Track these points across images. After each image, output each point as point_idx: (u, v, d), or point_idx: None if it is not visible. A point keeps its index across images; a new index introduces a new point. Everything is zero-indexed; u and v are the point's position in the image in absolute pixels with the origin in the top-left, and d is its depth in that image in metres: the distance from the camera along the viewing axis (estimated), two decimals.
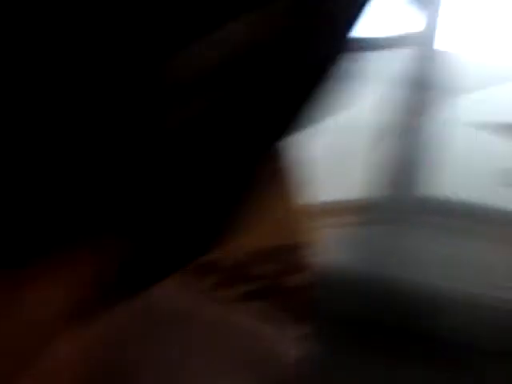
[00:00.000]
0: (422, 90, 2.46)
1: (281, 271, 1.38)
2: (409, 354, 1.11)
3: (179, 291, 0.70)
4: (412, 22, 2.62)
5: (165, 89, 0.19)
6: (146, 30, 0.19)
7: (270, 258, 1.44)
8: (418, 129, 1.77)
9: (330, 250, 1.54)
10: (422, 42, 2.52)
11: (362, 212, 1.52)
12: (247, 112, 0.25)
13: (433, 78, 2.45)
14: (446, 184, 1.87)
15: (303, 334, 0.84)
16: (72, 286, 0.21)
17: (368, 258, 1.28)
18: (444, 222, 1.55)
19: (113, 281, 0.22)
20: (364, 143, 2.49)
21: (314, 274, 1.33)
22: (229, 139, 0.26)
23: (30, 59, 0.17)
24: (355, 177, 2.30)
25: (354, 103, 2.72)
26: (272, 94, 0.25)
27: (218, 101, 0.23)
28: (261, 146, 0.28)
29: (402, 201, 1.43)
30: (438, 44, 2.44)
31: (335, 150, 2.37)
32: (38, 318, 0.19)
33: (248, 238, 1.61)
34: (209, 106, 0.23)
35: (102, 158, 0.21)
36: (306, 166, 2.20)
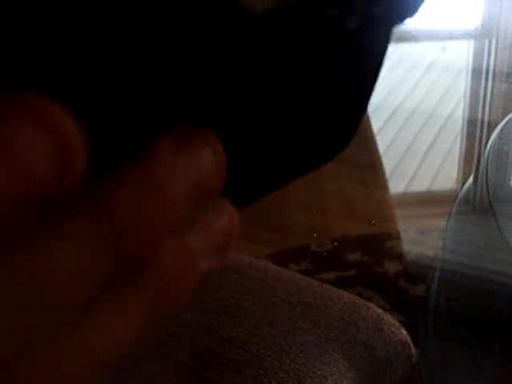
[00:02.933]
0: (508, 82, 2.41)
1: (374, 259, 1.39)
2: (504, 349, 1.10)
3: (280, 271, 0.71)
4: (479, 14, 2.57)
5: None
6: None
7: (363, 246, 1.45)
8: (506, 120, 1.74)
9: (421, 239, 1.54)
10: (495, 34, 2.47)
11: (452, 202, 1.51)
12: None
13: None
14: None
15: (400, 321, 0.84)
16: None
17: (466, 250, 1.27)
18: None
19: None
20: (453, 134, 2.46)
21: (406, 264, 1.34)
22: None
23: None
24: (445, 167, 2.28)
25: (436, 95, 2.69)
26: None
27: None
28: None
29: (494, 191, 1.41)
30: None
31: (423, 141, 2.35)
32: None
33: (338, 224, 1.62)
34: None
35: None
36: (396, 157, 2.19)
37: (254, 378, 0.56)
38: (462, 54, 2.64)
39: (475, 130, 2.46)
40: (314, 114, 0.24)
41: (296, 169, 0.26)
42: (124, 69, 0.19)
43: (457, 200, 1.46)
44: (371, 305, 0.68)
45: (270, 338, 0.59)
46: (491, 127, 2.36)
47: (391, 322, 0.67)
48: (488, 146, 1.53)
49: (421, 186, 2.20)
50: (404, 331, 0.67)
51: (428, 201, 2.09)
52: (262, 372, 0.57)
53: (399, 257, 1.40)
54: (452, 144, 2.44)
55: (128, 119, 0.19)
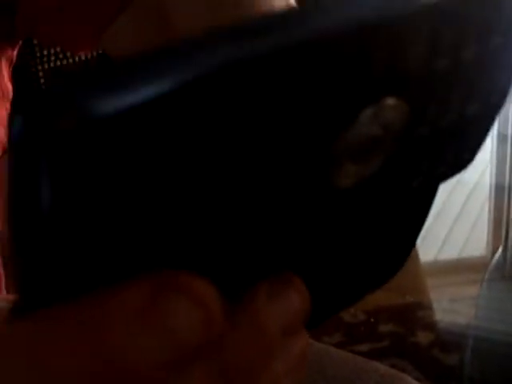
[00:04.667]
0: None
1: (407, 329, 1.39)
2: None
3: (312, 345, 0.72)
4: None
5: (338, 150, 0.23)
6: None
7: (395, 317, 1.45)
8: None
9: (453, 308, 1.53)
10: None
11: (485, 269, 1.51)
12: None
13: None
14: None
15: None
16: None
17: (500, 317, 1.27)
18: None
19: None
20: (481, 201, 2.46)
21: (440, 333, 1.34)
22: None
23: None
24: (474, 234, 2.27)
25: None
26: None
27: (392, 157, 0.25)
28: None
29: None
30: None
31: (451, 208, 2.35)
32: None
33: (370, 295, 1.62)
34: (383, 163, 0.25)
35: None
36: (425, 225, 2.20)
37: None
38: None
39: (503, 195, 2.46)
40: (376, 251, 0.30)
41: (359, 293, 0.31)
42: (243, 242, 0.23)
43: (488, 267, 1.46)
44: (406, 376, 0.69)
45: None
46: None
47: None
48: None
49: (451, 253, 2.19)
50: None
51: (459, 268, 2.08)
52: None
53: (432, 326, 1.40)
54: (480, 210, 2.43)
55: (237, 273, 0.24)
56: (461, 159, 0.29)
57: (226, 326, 0.21)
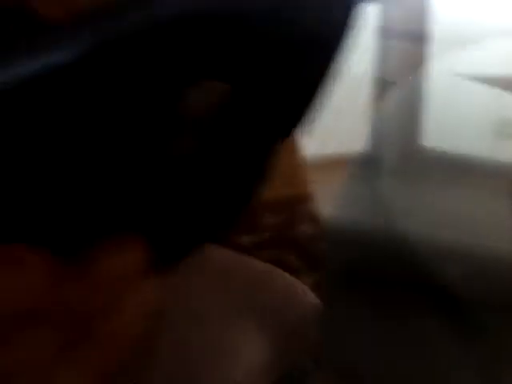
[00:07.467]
0: (419, 42, 2.45)
1: (289, 221, 1.40)
2: (411, 306, 1.12)
3: None
4: None
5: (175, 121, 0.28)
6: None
7: (278, 209, 1.45)
8: (415, 81, 1.77)
9: (333, 201, 1.55)
10: None
11: (358, 165, 1.53)
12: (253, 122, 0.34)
13: (429, 30, 2.44)
14: (442, 136, 1.88)
15: (316, 283, 0.85)
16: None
17: (368, 211, 1.29)
18: (439, 174, 1.56)
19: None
20: (361, 95, 2.48)
21: (321, 225, 1.35)
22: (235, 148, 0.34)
23: None
24: (355, 129, 2.30)
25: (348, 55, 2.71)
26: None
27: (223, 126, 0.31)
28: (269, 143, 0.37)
29: (399, 153, 1.44)
30: None
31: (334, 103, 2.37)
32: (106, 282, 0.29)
33: None
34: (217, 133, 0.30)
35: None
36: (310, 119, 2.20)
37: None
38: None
39: (387, 89, 2.49)
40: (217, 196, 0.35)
41: (209, 233, 0.36)
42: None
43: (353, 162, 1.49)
44: (283, 273, 0.68)
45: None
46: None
47: (303, 287, 0.68)
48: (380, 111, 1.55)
49: (339, 148, 2.22)
50: (314, 295, 0.69)
51: (342, 163, 2.11)
52: None
53: (314, 219, 1.41)
54: (364, 105, 2.46)
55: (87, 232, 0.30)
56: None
57: (67, 285, 0.27)
